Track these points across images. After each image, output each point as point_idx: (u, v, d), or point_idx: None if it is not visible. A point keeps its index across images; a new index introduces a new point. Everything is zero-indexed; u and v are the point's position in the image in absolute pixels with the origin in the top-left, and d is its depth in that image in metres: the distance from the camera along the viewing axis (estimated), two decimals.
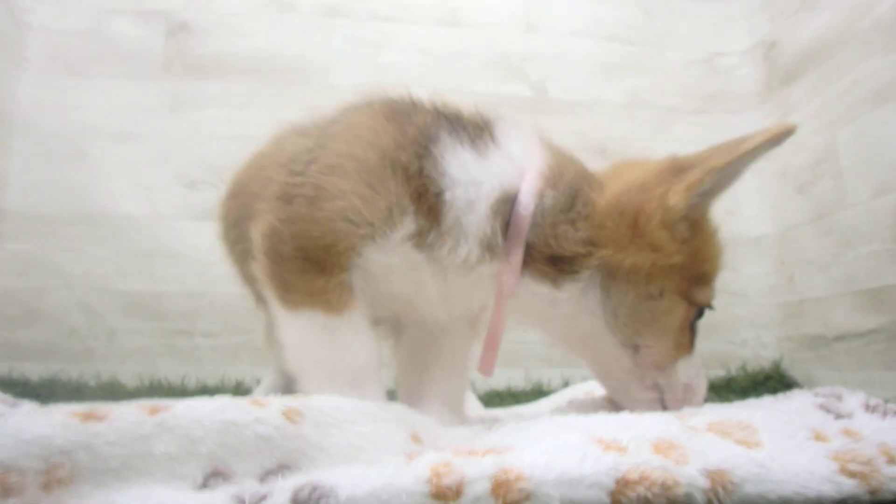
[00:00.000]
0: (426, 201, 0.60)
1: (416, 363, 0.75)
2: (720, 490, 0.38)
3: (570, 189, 0.63)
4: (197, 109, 1.61)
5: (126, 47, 1.61)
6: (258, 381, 1.19)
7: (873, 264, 1.28)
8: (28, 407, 0.67)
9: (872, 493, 0.40)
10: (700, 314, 0.66)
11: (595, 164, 1.82)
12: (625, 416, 0.46)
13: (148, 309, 1.52)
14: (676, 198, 0.60)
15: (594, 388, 0.93)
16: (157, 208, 1.57)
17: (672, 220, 0.60)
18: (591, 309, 0.62)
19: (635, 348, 0.63)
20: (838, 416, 0.49)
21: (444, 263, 0.62)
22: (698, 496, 0.38)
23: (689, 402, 0.64)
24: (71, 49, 1.59)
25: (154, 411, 0.36)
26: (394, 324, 0.77)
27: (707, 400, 0.66)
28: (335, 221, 0.59)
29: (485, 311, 0.70)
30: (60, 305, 1.48)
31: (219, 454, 0.36)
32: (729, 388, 1.51)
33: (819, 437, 0.45)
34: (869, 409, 0.50)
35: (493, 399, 1.37)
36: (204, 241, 1.54)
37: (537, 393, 1.40)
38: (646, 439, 0.41)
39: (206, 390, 1.41)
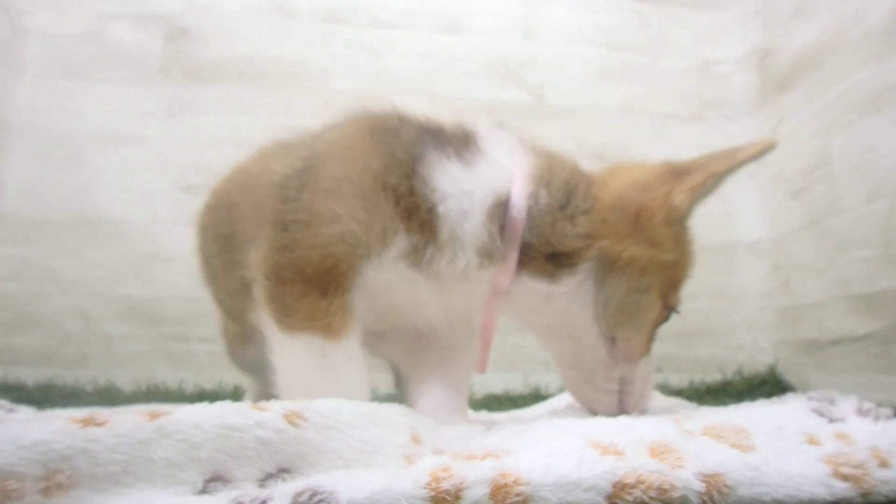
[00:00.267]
0: (418, 218, 0.62)
1: (419, 368, 0.76)
2: (715, 493, 0.39)
3: (565, 187, 0.65)
4: (195, 114, 1.62)
5: (124, 51, 1.61)
6: None
7: (867, 269, 1.29)
8: (25, 412, 0.68)
9: (864, 495, 0.40)
10: (667, 317, 0.70)
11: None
12: (622, 421, 0.47)
13: (144, 314, 1.52)
14: (681, 197, 0.64)
15: None
16: (154, 213, 1.57)
17: (673, 219, 0.65)
18: (583, 300, 0.65)
19: (613, 340, 0.66)
20: (831, 420, 0.49)
21: (442, 275, 0.63)
22: (694, 499, 0.38)
23: (643, 398, 0.68)
24: (69, 53, 1.59)
25: (154, 417, 0.36)
26: (393, 333, 0.77)
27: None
28: (335, 245, 0.60)
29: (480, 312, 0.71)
30: (56, 310, 1.48)
31: (219, 459, 0.36)
32: (725, 393, 1.51)
33: (812, 441, 0.45)
34: (861, 413, 0.50)
35: (492, 403, 1.37)
36: None
37: (535, 397, 1.40)
38: (642, 443, 0.42)
39: (203, 395, 1.41)
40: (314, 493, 0.33)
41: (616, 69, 1.79)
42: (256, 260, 0.64)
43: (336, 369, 0.61)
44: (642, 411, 0.68)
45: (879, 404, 0.53)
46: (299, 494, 0.33)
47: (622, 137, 1.75)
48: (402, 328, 0.74)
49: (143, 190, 1.57)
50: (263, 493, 0.34)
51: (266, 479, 0.38)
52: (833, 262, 1.39)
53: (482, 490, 0.35)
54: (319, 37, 1.69)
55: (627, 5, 1.84)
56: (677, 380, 1.59)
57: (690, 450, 0.42)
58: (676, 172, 0.66)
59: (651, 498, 0.37)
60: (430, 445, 0.48)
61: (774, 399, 0.57)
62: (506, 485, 0.36)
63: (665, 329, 0.73)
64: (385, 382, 1.11)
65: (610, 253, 0.63)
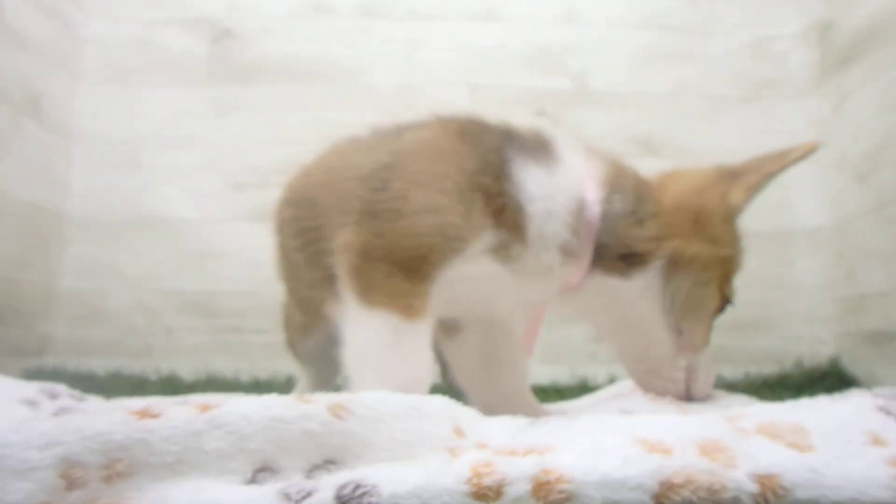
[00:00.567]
0: (507, 216, 0.66)
1: (479, 360, 0.80)
2: (770, 495, 0.37)
3: (634, 192, 0.71)
4: (241, 114, 1.67)
5: (173, 56, 1.67)
6: None
7: None
8: (94, 402, 0.72)
9: None
10: (724, 308, 0.76)
11: (641, 157, 1.78)
12: (669, 418, 0.45)
13: (202, 307, 1.59)
14: (738, 197, 0.71)
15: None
16: (207, 211, 1.63)
17: (732, 216, 0.72)
18: (652, 295, 0.70)
19: (679, 332, 0.72)
20: None
21: (525, 270, 0.68)
22: (746, 501, 0.37)
23: (708, 384, 0.74)
24: (122, 59, 1.67)
25: (205, 409, 0.38)
26: (450, 325, 0.81)
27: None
28: (431, 236, 0.64)
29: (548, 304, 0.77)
30: (121, 305, 1.57)
31: (267, 450, 0.37)
32: (783, 386, 1.45)
33: (877, 442, 0.43)
34: None
35: (538, 395, 1.36)
36: (252, 242, 1.59)
37: (582, 389, 1.38)
38: (691, 441, 0.41)
39: (258, 384, 1.46)
40: (357, 486, 0.34)
41: (664, 52, 1.73)
42: (346, 242, 0.67)
43: (406, 350, 0.64)
44: (707, 397, 0.74)
45: None
46: (343, 487, 0.34)
47: (671, 123, 1.69)
48: (463, 319, 0.78)
49: (196, 189, 1.63)
50: (309, 485, 0.35)
51: (312, 470, 0.39)
52: None
53: (524, 487, 0.35)
54: (358, 32, 1.71)
55: None
56: (732, 372, 1.53)
57: (743, 449, 0.40)
58: (730, 174, 0.72)
59: (700, 498, 0.36)
60: (474, 438, 0.48)
61: (836, 395, 0.54)
62: (548, 482, 0.35)
63: (720, 320, 0.76)
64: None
65: (677, 252, 0.69)
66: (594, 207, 0.68)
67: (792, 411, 0.49)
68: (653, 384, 0.73)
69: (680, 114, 1.70)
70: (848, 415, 0.46)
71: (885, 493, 0.38)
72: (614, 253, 0.69)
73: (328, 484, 0.35)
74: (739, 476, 0.37)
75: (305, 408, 0.40)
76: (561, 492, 0.35)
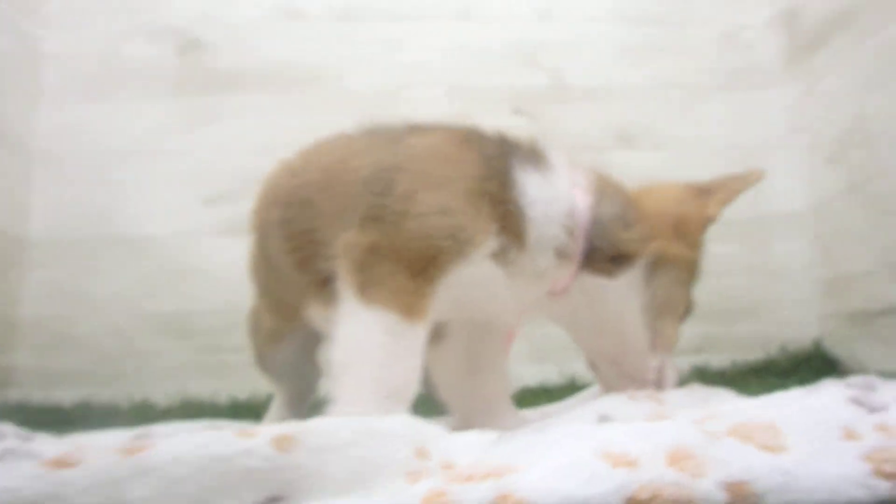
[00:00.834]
0: (510, 221, 0.69)
1: (462, 367, 0.81)
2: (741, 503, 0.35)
3: (619, 200, 0.76)
4: (214, 125, 1.62)
5: (140, 68, 1.63)
6: None
7: None
8: (41, 441, 0.68)
9: None
10: (688, 315, 0.81)
11: (620, 150, 1.76)
12: (638, 426, 0.43)
13: (176, 328, 1.54)
14: (714, 209, 0.78)
15: None
16: (179, 226, 1.58)
17: (706, 226, 0.78)
18: (635, 292, 0.74)
19: (654, 330, 0.75)
20: (872, 410, 0.44)
21: (522, 273, 0.70)
22: None
23: (672, 383, 0.77)
24: (86, 74, 1.62)
25: (132, 452, 0.35)
26: (435, 331, 0.80)
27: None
28: (441, 239, 0.65)
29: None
30: (90, 330, 1.51)
31: (202, 493, 0.35)
32: (769, 371, 1.45)
33: (850, 436, 0.41)
34: None
35: (527, 396, 1.35)
36: (227, 257, 1.54)
37: (571, 387, 1.37)
38: (660, 450, 0.39)
39: (236, 404, 1.42)
40: None
41: (637, 45, 1.72)
42: (351, 241, 0.66)
43: (400, 351, 0.63)
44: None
45: None
46: None
47: (648, 115, 1.69)
48: (461, 321, 0.79)
49: (168, 204, 1.58)
50: None
51: None
52: (877, 228, 1.31)
53: None
54: (332, 36, 1.68)
55: None
56: (719, 361, 1.52)
57: (713, 454, 0.39)
58: (703, 191, 0.79)
59: None
60: (439, 458, 0.46)
61: (809, 388, 0.53)
62: None
63: (704, 309, 0.81)
64: None
65: (660, 252, 0.74)
66: (585, 213, 0.72)
67: (765, 408, 0.47)
68: (623, 386, 0.74)
69: (656, 105, 1.70)
70: (820, 409, 0.44)
71: (859, 492, 0.36)
72: (604, 255, 0.72)
73: None
74: (708, 486, 0.35)
75: (246, 443, 0.37)
76: None
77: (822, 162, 1.51)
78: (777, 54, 1.69)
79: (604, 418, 0.59)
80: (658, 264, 0.74)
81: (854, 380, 0.50)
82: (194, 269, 1.56)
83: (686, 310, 0.79)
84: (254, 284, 0.96)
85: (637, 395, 0.65)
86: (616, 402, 0.63)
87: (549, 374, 1.51)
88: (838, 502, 0.36)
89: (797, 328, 1.57)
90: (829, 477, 0.37)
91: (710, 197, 0.78)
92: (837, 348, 1.46)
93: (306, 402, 1.00)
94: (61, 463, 0.33)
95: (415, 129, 0.76)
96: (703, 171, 1.67)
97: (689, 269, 0.77)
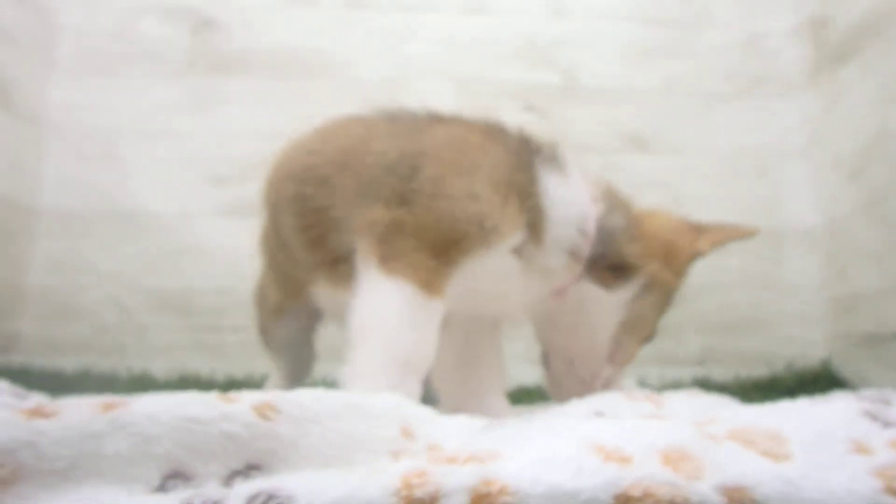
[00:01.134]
0: (534, 216, 0.70)
1: (459, 357, 0.81)
2: None
3: (625, 214, 0.77)
4: (222, 106, 1.62)
5: (153, 46, 1.63)
6: None
7: None
8: (35, 399, 0.68)
9: None
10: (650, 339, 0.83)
11: (632, 154, 1.73)
12: (633, 422, 0.41)
13: (177, 305, 1.54)
14: (705, 246, 0.80)
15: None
16: (184, 206, 1.58)
17: (693, 259, 0.81)
18: (621, 308, 0.76)
19: (618, 344, 0.78)
20: (886, 425, 0.42)
21: (536, 270, 0.72)
22: None
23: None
24: (99, 49, 1.62)
25: (108, 408, 0.34)
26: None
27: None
28: (467, 223, 0.65)
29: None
30: (94, 302, 1.52)
31: (178, 454, 0.33)
32: (773, 388, 1.42)
33: (861, 450, 0.39)
34: None
35: (523, 396, 1.33)
36: (231, 238, 1.55)
37: None
38: (654, 448, 0.37)
39: (234, 383, 1.41)
40: (270, 497, 0.30)
41: (654, 47, 1.69)
42: (374, 217, 0.67)
43: (417, 322, 0.63)
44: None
45: None
46: (254, 497, 0.30)
47: (661, 119, 1.66)
48: (470, 312, 0.79)
49: (174, 183, 1.58)
50: (216, 494, 0.31)
51: (232, 476, 0.35)
52: (893, 249, 1.28)
53: (461, 499, 0.31)
54: (343, 24, 1.67)
55: None
56: (722, 374, 1.50)
57: (711, 457, 0.37)
58: (698, 227, 0.82)
59: None
60: (425, 440, 0.44)
61: (818, 398, 0.51)
62: (489, 494, 0.32)
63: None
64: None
65: (655, 275, 0.76)
66: (592, 220, 0.73)
67: (769, 415, 0.45)
68: (568, 387, 0.78)
69: (671, 110, 1.67)
70: (830, 420, 0.42)
71: None
72: (605, 264, 0.74)
73: (237, 494, 0.31)
74: (704, 489, 0.34)
75: (226, 408, 0.36)
76: None
77: (839, 177, 1.48)
78: (800, 64, 1.66)
79: (599, 415, 0.57)
80: (648, 286, 0.76)
81: (868, 393, 0.48)
82: (197, 248, 1.56)
83: (650, 332, 0.81)
84: (262, 258, 0.96)
85: (635, 394, 0.64)
86: (613, 401, 0.61)
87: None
88: None
89: (805, 346, 1.54)
90: (835, 490, 0.35)
91: (704, 234, 0.81)
92: (846, 369, 1.43)
93: (300, 384, 1.00)
94: (37, 413, 0.32)
95: (437, 119, 0.77)
96: (716, 179, 1.66)
97: (668, 296, 0.80)
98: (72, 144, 1.57)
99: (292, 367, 0.97)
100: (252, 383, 1.40)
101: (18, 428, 0.31)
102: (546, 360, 0.84)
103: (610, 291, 0.75)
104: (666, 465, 0.35)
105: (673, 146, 1.66)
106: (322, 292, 0.81)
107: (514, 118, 1.75)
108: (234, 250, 1.54)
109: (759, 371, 1.49)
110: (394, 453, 0.40)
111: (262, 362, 1.49)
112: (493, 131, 0.75)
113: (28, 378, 1.31)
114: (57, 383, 1.30)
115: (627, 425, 0.39)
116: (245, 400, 0.38)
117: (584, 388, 0.77)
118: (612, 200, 0.77)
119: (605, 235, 0.74)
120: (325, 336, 1.02)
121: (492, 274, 0.69)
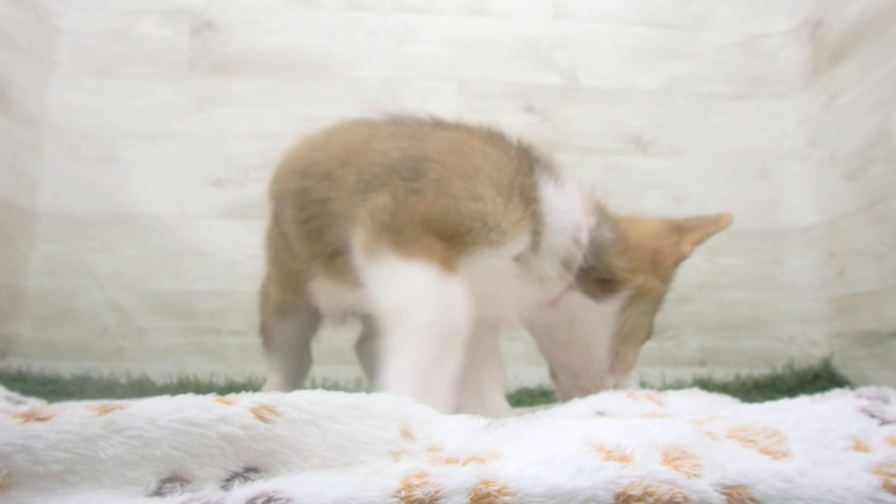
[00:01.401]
0: (535, 222, 0.71)
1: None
2: None
3: (613, 226, 0.79)
4: (222, 108, 1.62)
5: (152, 47, 1.63)
6: None
7: None
8: (32, 404, 0.67)
9: None
10: (646, 340, 0.84)
11: (632, 155, 1.73)
12: (633, 421, 0.41)
13: (176, 308, 1.54)
14: (687, 247, 0.81)
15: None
16: (184, 208, 1.58)
17: (679, 262, 0.82)
18: (611, 319, 0.78)
19: (616, 353, 0.79)
20: (884, 422, 0.42)
21: (531, 276, 0.72)
22: None
23: None
24: (98, 51, 1.62)
25: (105, 411, 0.33)
26: None
27: None
28: (471, 220, 0.66)
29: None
30: (92, 305, 1.52)
31: (176, 457, 0.33)
32: (774, 388, 1.42)
33: (860, 447, 0.39)
34: None
35: (526, 397, 1.33)
36: (230, 240, 1.55)
37: None
38: (654, 447, 0.37)
39: (233, 387, 1.41)
40: (269, 499, 0.30)
41: (654, 48, 1.70)
42: (379, 204, 0.67)
43: (447, 297, 0.64)
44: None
45: None
46: (253, 500, 0.30)
47: (661, 120, 1.66)
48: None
49: (173, 185, 1.58)
50: (214, 497, 0.31)
51: (231, 479, 0.35)
52: (893, 248, 1.28)
53: (461, 500, 0.31)
54: (343, 25, 1.67)
55: None
56: (723, 374, 1.50)
57: (711, 455, 0.36)
58: (678, 227, 0.83)
59: None
60: (425, 440, 0.44)
61: (817, 396, 0.51)
62: (489, 494, 0.31)
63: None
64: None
65: (643, 285, 0.77)
66: (585, 231, 0.75)
67: (769, 413, 0.45)
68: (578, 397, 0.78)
69: (671, 111, 1.67)
70: (828, 417, 0.42)
71: None
72: (595, 276, 0.75)
73: (236, 497, 0.31)
74: (704, 487, 0.33)
75: (224, 410, 0.36)
76: None
77: (839, 177, 1.48)
78: (798, 65, 1.66)
79: (601, 414, 0.57)
80: (636, 296, 0.78)
81: (866, 390, 0.48)
82: (197, 250, 1.56)
83: (647, 335, 0.83)
84: (266, 254, 0.98)
85: (637, 394, 0.63)
86: (614, 400, 0.61)
87: (547, 376, 1.49)
88: None
89: (805, 345, 1.54)
90: (834, 487, 0.35)
91: (685, 235, 0.82)
92: (846, 368, 1.43)
93: (298, 386, 1.00)
94: (32, 416, 0.32)
95: (440, 124, 0.78)
96: (716, 179, 1.66)
97: (658, 301, 0.82)
98: (70, 146, 1.57)
99: (290, 368, 0.97)
100: (252, 387, 1.40)
101: (12, 432, 0.31)
102: (554, 375, 0.86)
103: (599, 303, 0.76)
104: (666, 463, 0.35)
105: (673, 147, 1.66)
106: (320, 287, 0.82)
107: (515, 119, 1.75)
108: (234, 252, 1.54)
109: (760, 371, 1.49)
110: (394, 454, 0.40)
111: (262, 366, 1.49)
112: (494, 137, 0.76)
113: (25, 383, 1.30)
114: (55, 388, 1.29)
115: (627, 424, 0.39)
116: (243, 402, 0.38)
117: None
118: (602, 214, 0.79)
119: (596, 248, 0.75)
120: (324, 338, 1.02)
121: (491, 276, 0.70)
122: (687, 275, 1.58)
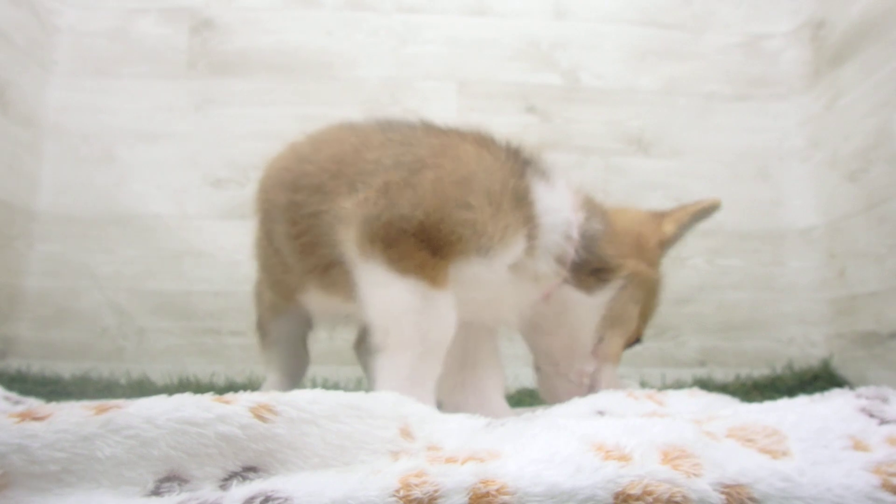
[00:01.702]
0: (529, 224, 0.72)
1: (459, 359, 0.82)
2: None
3: (603, 219, 0.80)
4: (222, 107, 1.62)
5: (151, 46, 1.62)
6: None
7: None
8: (30, 403, 0.67)
9: None
10: (635, 342, 0.85)
11: (633, 155, 1.73)
12: (632, 420, 0.41)
13: (177, 308, 1.54)
14: (669, 227, 0.83)
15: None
16: (184, 208, 1.58)
17: (664, 243, 0.83)
18: (600, 307, 0.78)
19: (600, 339, 0.80)
20: (883, 422, 0.42)
21: (525, 277, 0.73)
22: None
23: (611, 387, 0.77)
24: (98, 50, 1.61)
25: (102, 410, 0.33)
26: None
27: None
28: (461, 228, 0.68)
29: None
30: (92, 305, 1.51)
31: (174, 457, 0.33)
32: (774, 388, 1.42)
33: (859, 446, 0.39)
34: None
35: (524, 397, 1.33)
36: (230, 241, 1.55)
37: None
38: (653, 446, 0.37)
39: (233, 387, 1.41)
40: (268, 498, 0.30)
41: (655, 49, 1.69)
42: (370, 213, 0.69)
43: (437, 313, 0.68)
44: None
45: None
46: (251, 500, 0.30)
47: (662, 120, 1.66)
48: (468, 319, 0.80)
49: (173, 185, 1.58)
50: (212, 497, 0.31)
51: (229, 478, 0.35)
52: (893, 249, 1.28)
53: (460, 499, 0.31)
54: (343, 25, 1.67)
55: None
56: (723, 374, 1.50)
57: (710, 455, 0.36)
58: (662, 213, 0.85)
59: None
60: (424, 439, 0.44)
61: (816, 396, 0.50)
62: (488, 493, 0.31)
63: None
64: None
65: (633, 272, 0.78)
66: (576, 226, 0.76)
67: (768, 413, 0.44)
68: (556, 386, 0.81)
69: (672, 111, 1.67)
70: (827, 417, 0.42)
71: None
72: (587, 269, 0.76)
73: (234, 496, 0.31)
74: (703, 486, 0.33)
75: (223, 409, 0.36)
76: None
77: (839, 178, 1.48)
78: (800, 65, 1.66)
79: (601, 414, 0.57)
80: (626, 285, 0.79)
81: (865, 390, 0.48)
82: (196, 250, 1.56)
83: (635, 335, 0.83)
84: (256, 263, 0.98)
85: (637, 393, 0.63)
86: (614, 400, 0.61)
87: None
88: None
89: (805, 346, 1.54)
90: (833, 487, 0.35)
91: (666, 217, 0.84)
92: (846, 369, 1.43)
93: (296, 385, 0.99)
94: (29, 416, 0.32)
95: (430, 129, 0.78)
96: (717, 180, 1.65)
97: (646, 289, 0.81)
98: (69, 146, 1.57)
99: (288, 365, 0.97)
100: (252, 387, 1.40)
101: (9, 431, 0.31)
102: (537, 368, 0.86)
103: (591, 295, 0.77)
104: (665, 462, 0.35)
105: (674, 147, 1.66)
106: (313, 298, 0.82)
107: (515, 119, 1.75)
108: (234, 253, 1.54)
109: (760, 371, 1.49)
110: (393, 453, 0.40)
111: (262, 366, 1.49)
112: (486, 142, 0.77)
113: (25, 383, 1.30)
114: (55, 389, 1.29)
115: (626, 423, 0.39)
116: (242, 401, 0.37)
117: (573, 387, 0.79)
118: (591, 207, 0.80)
119: (587, 241, 0.77)
120: (324, 338, 1.02)
121: (488, 282, 0.72)
122: (687, 276, 1.59)
